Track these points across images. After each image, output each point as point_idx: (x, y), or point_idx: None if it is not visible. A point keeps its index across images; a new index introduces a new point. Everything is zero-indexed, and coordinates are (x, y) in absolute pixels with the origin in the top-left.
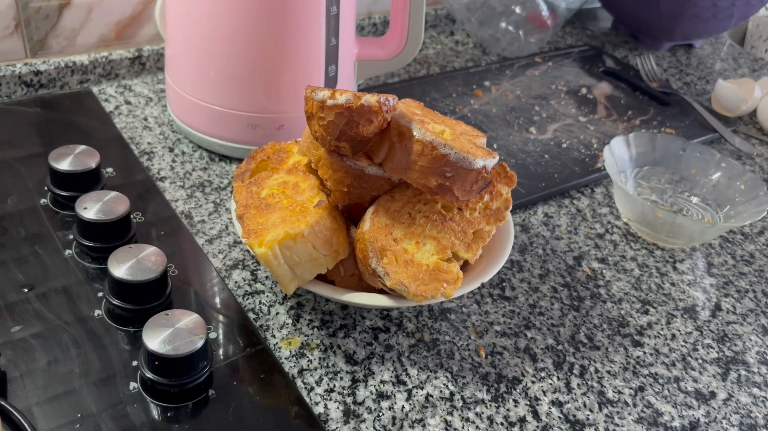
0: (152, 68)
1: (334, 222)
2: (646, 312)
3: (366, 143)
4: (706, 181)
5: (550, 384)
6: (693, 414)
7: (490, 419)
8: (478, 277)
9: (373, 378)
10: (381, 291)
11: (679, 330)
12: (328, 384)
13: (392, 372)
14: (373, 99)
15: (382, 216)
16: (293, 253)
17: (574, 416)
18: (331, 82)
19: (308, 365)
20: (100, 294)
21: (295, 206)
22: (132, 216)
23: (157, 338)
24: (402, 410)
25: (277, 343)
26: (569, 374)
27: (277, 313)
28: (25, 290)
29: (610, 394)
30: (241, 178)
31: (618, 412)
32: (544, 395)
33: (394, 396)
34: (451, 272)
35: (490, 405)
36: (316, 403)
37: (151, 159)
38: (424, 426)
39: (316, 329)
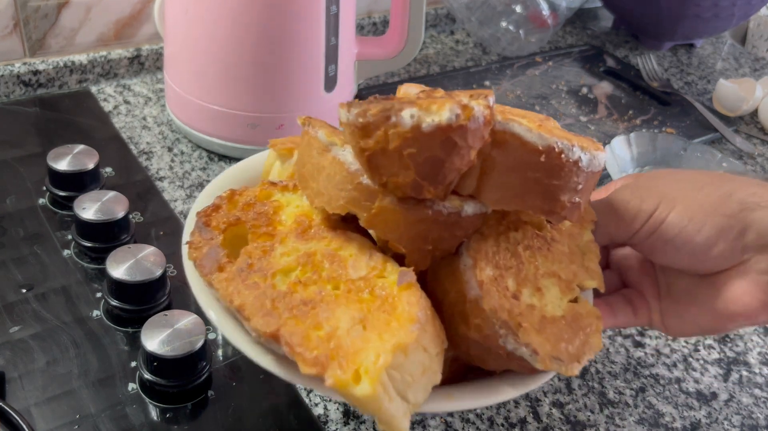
0: (151, 67)
1: (427, 301)
2: None
3: (459, 174)
4: None
5: (551, 384)
6: (694, 415)
7: (491, 420)
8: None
9: None
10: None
11: None
12: None
13: None
14: (481, 105)
15: (486, 269)
16: (404, 373)
17: (575, 417)
18: (330, 81)
19: None
20: (99, 294)
21: (358, 291)
22: (131, 216)
23: (156, 338)
24: None
25: None
26: None
27: None
28: (24, 290)
29: (611, 395)
30: (213, 264)
31: (619, 413)
32: (545, 396)
33: None
34: (590, 314)
35: (491, 406)
36: (316, 404)
37: (150, 159)
38: (424, 427)
39: None
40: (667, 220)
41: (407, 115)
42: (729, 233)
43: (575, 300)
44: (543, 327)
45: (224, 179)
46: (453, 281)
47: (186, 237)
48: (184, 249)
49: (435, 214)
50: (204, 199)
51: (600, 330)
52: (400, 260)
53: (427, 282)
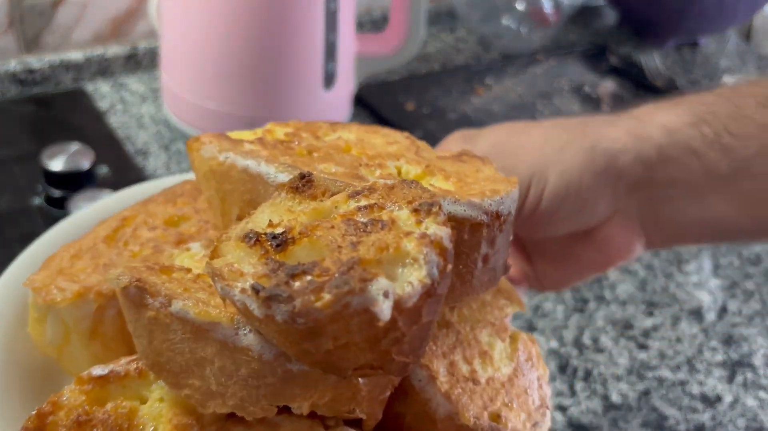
0: (148, 66)
1: None
2: (651, 314)
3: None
4: None
5: (554, 387)
6: (698, 418)
7: None
8: None
9: None
10: None
11: (684, 333)
12: None
13: None
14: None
15: (440, 371)
16: None
17: (578, 420)
18: (329, 78)
19: None
20: None
21: None
22: None
23: None
24: None
25: None
26: (573, 377)
27: None
28: None
29: (614, 398)
30: None
31: (623, 416)
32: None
33: None
34: (529, 345)
35: None
36: None
37: (147, 158)
38: None
39: None
40: (544, 198)
41: (379, 295)
42: (605, 191)
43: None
44: (510, 399)
45: (55, 237)
46: (408, 403)
47: None
48: None
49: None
50: (27, 261)
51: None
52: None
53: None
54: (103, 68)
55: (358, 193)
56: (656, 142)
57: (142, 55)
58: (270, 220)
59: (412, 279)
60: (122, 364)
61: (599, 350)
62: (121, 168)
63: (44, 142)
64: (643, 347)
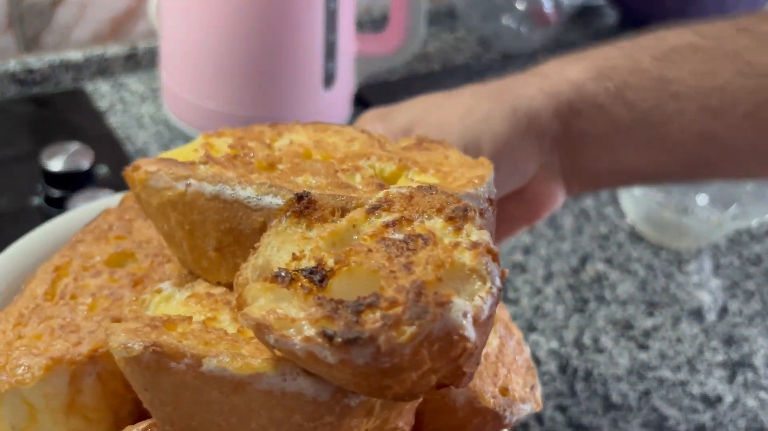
0: (148, 65)
1: None
2: (652, 315)
3: None
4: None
5: (554, 387)
6: (699, 419)
7: None
8: None
9: None
10: None
11: (684, 333)
12: None
13: None
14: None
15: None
16: None
17: (578, 421)
18: (329, 78)
19: None
20: None
21: None
22: None
23: None
24: None
25: None
26: (573, 377)
27: None
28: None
29: (614, 398)
30: None
31: (623, 416)
32: (548, 399)
33: None
34: None
35: None
36: None
37: (146, 158)
38: None
39: None
40: None
41: (459, 316)
42: (532, 150)
43: None
44: (507, 370)
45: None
46: (424, 401)
47: None
48: None
49: None
50: None
51: None
52: None
53: None
54: (103, 68)
55: (375, 208)
56: (566, 98)
57: (141, 54)
58: (293, 253)
59: (481, 293)
60: None
61: (599, 350)
62: (120, 168)
63: (44, 141)
64: (643, 347)
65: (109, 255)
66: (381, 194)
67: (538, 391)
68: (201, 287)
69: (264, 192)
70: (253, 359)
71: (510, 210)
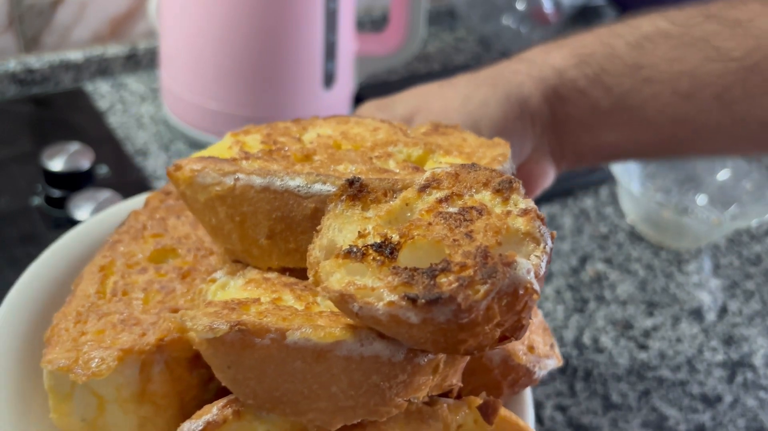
0: (147, 65)
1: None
2: (651, 315)
3: None
4: (712, 180)
5: (554, 387)
6: (698, 419)
7: None
8: None
9: None
10: None
11: (684, 333)
12: None
13: None
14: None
15: None
16: None
17: (578, 420)
18: (329, 78)
19: None
20: None
21: None
22: None
23: None
24: None
25: None
26: (573, 377)
27: None
28: None
29: (614, 398)
30: None
31: (623, 416)
32: (548, 399)
33: None
34: None
35: None
36: None
37: (146, 158)
38: None
39: None
40: None
41: (523, 273)
42: (526, 132)
43: None
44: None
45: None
46: (477, 375)
47: None
48: None
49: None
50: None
51: None
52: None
53: None
54: (103, 68)
55: (426, 186)
56: (551, 83)
57: (141, 54)
58: (358, 232)
59: (536, 253)
60: (215, 413)
61: (599, 350)
62: (120, 168)
63: (44, 141)
64: (643, 347)
65: (150, 252)
66: (428, 174)
67: (557, 348)
68: (253, 273)
69: (312, 180)
70: (333, 329)
71: None
